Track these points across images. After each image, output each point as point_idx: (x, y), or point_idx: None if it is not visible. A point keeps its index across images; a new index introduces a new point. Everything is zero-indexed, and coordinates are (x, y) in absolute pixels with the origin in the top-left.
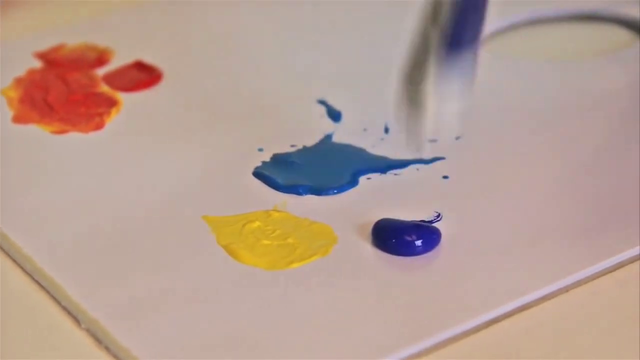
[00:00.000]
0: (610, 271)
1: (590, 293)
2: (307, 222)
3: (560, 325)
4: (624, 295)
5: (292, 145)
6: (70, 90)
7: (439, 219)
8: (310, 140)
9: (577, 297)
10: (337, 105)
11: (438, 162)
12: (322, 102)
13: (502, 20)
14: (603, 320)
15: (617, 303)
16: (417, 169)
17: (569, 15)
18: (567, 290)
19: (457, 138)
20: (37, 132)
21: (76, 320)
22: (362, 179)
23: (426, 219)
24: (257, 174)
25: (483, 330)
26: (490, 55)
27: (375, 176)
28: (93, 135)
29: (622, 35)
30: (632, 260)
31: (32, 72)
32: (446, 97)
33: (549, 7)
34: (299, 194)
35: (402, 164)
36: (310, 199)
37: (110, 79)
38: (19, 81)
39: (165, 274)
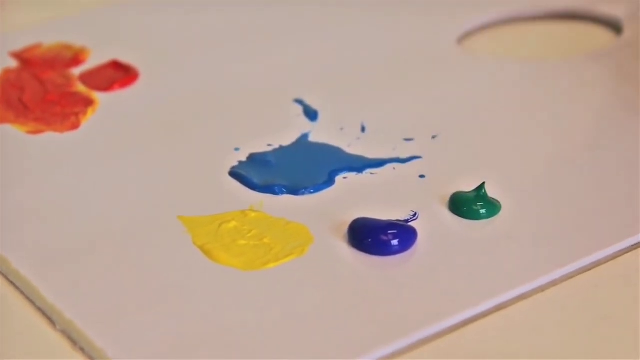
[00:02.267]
0: (586, 270)
1: (566, 292)
2: (284, 222)
3: (536, 325)
4: (599, 294)
5: (269, 145)
6: (45, 89)
7: (415, 218)
8: (287, 140)
9: (553, 297)
10: (313, 104)
11: (414, 162)
12: (299, 101)
13: (478, 18)
14: (579, 320)
15: (592, 302)
16: (394, 168)
17: (546, 14)
18: (542, 290)
19: (434, 137)
20: (12, 132)
21: (51, 321)
22: (339, 179)
23: (402, 219)
24: (234, 173)
25: (459, 329)
26: (466, 54)
27: (351, 175)
28: (69, 135)
29: (600, 33)
30: (607, 260)
31: (7, 72)
32: None
33: (526, 5)
34: (275, 193)
35: (379, 163)
36: (286, 198)
37: (86, 78)
38: None
39: (140, 275)
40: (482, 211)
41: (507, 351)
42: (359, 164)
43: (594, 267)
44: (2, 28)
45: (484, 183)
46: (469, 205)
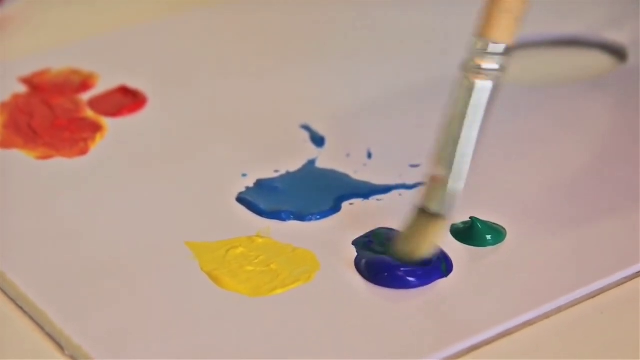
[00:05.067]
0: (591, 297)
1: (571, 319)
2: (291, 248)
3: (541, 352)
4: (604, 321)
5: (276, 171)
6: (54, 115)
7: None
8: (294, 166)
9: (558, 324)
10: (320, 130)
11: (420, 188)
12: (306, 127)
13: None
14: (584, 347)
15: (597, 329)
16: (400, 195)
17: (551, 40)
18: (547, 317)
19: None
20: (21, 157)
21: (60, 346)
22: (345, 205)
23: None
24: (241, 199)
25: (464, 356)
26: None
27: (358, 202)
28: (77, 160)
29: (604, 60)
30: (612, 287)
31: (16, 97)
32: None
33: (530, 31)
34: (282, 219)
35: (385, 189)
36: (293, 224)
37: (94, 103)
38: (3, 106)
39: (148, 301)
40: (488, 237)
41: None
42: (366, 190)
43: (599, 294)
44: (11, 53)
45: (474, 220)
46: (474, 232)
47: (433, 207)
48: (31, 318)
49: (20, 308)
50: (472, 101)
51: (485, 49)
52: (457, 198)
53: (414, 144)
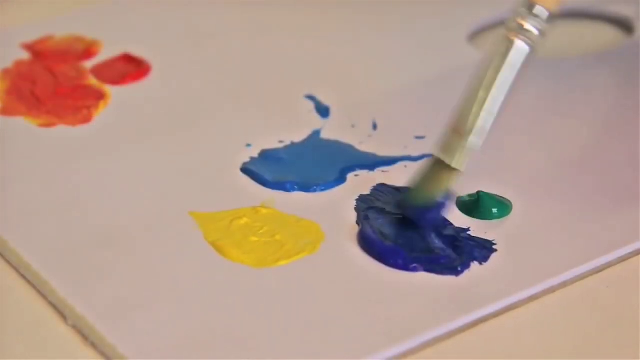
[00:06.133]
0: (596, 272)
1: (576, 293)
2: (295, 219)
3: (546, 327)
4: (610, 296)
5: (280, 141)
6: (57, 82)
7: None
8: (299, 136)
9: (563, 298)
10: (325, 100)
11: (426, 160)
12: (311, 98)
13: (491, 17)
14: (589, 322)
15: (602, 304)
16: (405, 166)
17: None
18: (553, 291)
19: None
20: (24, 124)
21: (63, 316)
22: (350, 176)
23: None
24: (245, 170)
25: (468, 330)
26: (478, 51)
27: (363, 173)
28: (81, 128)
29: (611, 33)
30: (618, 261)
31: (19, 64)
32: None
33: None
34: (287, 190)
35: (390, 161)
36: (298, 195)
37: (98, 71)
38: (5, 72)
39: (152, 271)
40: (494, 211)
41: (517, 352)
42: (371, 162)
43: (604, 269)
44: (14, 20)
45: (480, 193)
46: (481, 205)
47: (450, 159)
48: (34, 287)
49: (23, 277)
50: (509, 60)
51: (530, 12)
52: (474, 154)
53: (420, 116)
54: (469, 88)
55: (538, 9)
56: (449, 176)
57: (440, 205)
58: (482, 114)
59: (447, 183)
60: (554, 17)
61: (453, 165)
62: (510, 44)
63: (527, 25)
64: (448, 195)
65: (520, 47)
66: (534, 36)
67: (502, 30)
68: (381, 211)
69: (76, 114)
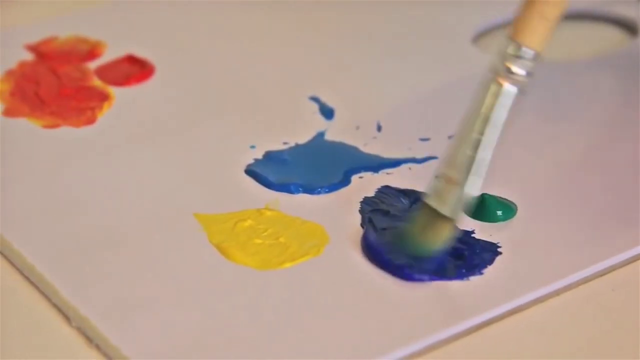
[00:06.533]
0: (602, 274)
1: (582, 296)
2: (299, 222)
3: (551, 329)
4: (616, 299)
5: (285, 143)
6: (61, 83)
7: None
8: (303, 138)
9: (569, 301)
10: (329, 102)
11: (430, 162)
12: (315, 99)
13: (495, 18)
14: (594, 325)
15: (608, 307)
16: (410, 168)
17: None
18: (558, 294)
19: (450, 137)
20: (28, 125)
21: (66, 318)
22: (354, 178)
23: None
24: (249, 171)
25: (473, 333)
26: (482, 53)
27: (367, 175)
28: (84, 129)
29: (615, 35)
30: (624, 264)
31: (23, 65)
32: None
33: None
34: (291, 192)
35: (395, 162)
36: (302, 197)
37: (102, 72)
38: (9, 73)
39: (156, 272)
40: (499, 213)
41: (522, 355)
42: (375, 164)
43: (610, 271)
44: (18, 20)
45: (485, 195)
46: (485, 208)
47: (445, 210)
48: (38, 289)
49: (27, 279)
50: (498, 105)
51: (517, 54)
52: (470, 203)
53: (424, 118)
54: (458, 133)
55: (525, 52)
56: (446, 226)
57: (439, 255)
58: (476, 164)
59: (446, 233)
60: (540, 57)
61: (449, 215)
62: (499, 88)
63: (516, 69)
64: (446, 245)
65: (509, 91)
66: (522, 78)
67: (488, 71)
68: (385, 214)
69: (80, 115)
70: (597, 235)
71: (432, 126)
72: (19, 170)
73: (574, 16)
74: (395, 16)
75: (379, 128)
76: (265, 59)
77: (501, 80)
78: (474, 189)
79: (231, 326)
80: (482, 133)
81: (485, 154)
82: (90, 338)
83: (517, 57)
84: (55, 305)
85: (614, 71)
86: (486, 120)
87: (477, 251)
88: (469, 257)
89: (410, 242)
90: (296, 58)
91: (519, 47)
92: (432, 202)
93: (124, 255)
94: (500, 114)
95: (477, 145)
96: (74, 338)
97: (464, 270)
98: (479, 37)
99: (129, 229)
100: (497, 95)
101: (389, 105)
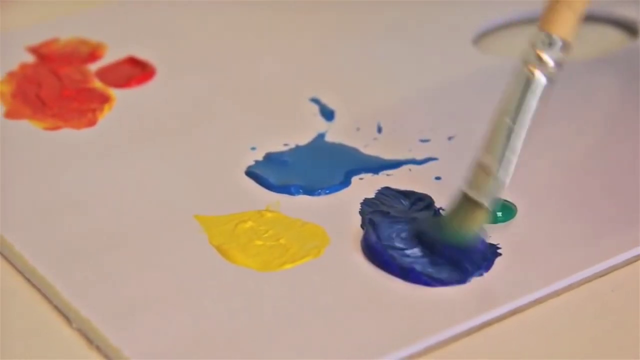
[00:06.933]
0: (602, 275)
1: (582, 297)
2: (300, 223)
3: (551, 330)
4: (615, 299)
5: (285, 144)
6: (62, 85)
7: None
8: (303, 139)
9: (569, 301)
10: (330, 103)
11: (431, 163)
12: (315, 101)
13: (496, 19)
14: (594, 325)
15: (607, 308)
16: (410, 170)
17: None
18: (558, 295)
19: (450, 139)
20: (29, 128)
21: (67, 319)
22: (355, 179)
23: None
24: (250, 173)
25: (474, 333)
26: (482, 54)
27: (367, 176)
28: (85, 131)
29: (615, 36)
30: (623, 265)
31: (24, 67)
32: None
33: (541, 5)
34: (292, 193)
35: (395, 164)
36: (302, 199)
37: (103, 74)
38: (11, 75)
39: (157, 274)
40: (499, 214)
41: (522, 355)
42: (375, 165)
43: (609, 272)
44: (19, 22)
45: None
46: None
47: (478, 196)
48: (38, 290)
49: (28, 280)
50: (529, 93)
51: (548, 42)
52: (502, 190)
53: (424, 119)
54: (494, 122)
55: (555, 41)
56: (481, 214)
57: (477, 244)
58: (507, 152)
59: (477, 220)
60: (569, 47)
61: (486, 205)
62: (531, 76)
63: (547, 58)
64: (482, 233)
65: (541, 80)
66: (553, 67)
67: (520, 61)
68: (385, 215)
69: (81, 117)
70: (596, 236)
71: (433, 127)
72: (20, 172)
73: None
74: (395, 17)
75: (379, 129)
76: (265, 60)
77: (532, 69)
78: (505, 178)
79: (232, 327)
80: (514, 121)
81: (517, 142)
82: (90, 339)
83: (548, 45)
84: (56, 307)
85: (614, 72)
86: (519, 108)
87: (477, 252)
88: (467, 258)
89: (446, 230)
90: (297, 59)
91: (549, 36)
92: (468, 190)
93: (124, 257)
94: (531, 102)
95: (509, 134)
96: (74, 339)
97: (463, 273)
98: (480, 38)
99: (129, 231)
100: (528, 84)
101: (389, 107)
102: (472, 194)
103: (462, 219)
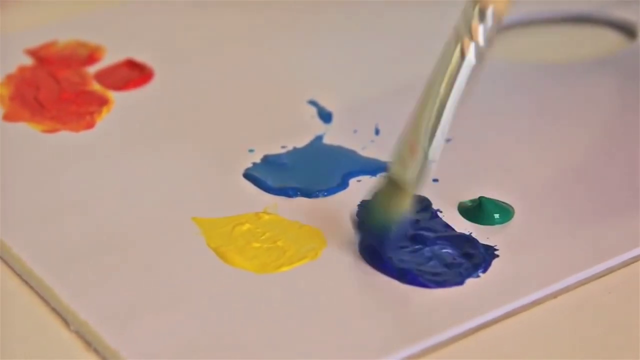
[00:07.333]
0: (599, 277)
1: (579, 299)
2: (297, 225)
3: (548, 332)
4: (612, 301)
5: (283, 147)
6: (61, 88)
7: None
8: (301, 142)
9: (566, 303)
10: (327, 106)
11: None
12: (313, 103)
13: None
14: (591, 327)
15: (604, 309)
16: None
17: (560, 18)
18: (555, 296)
19: (447, 141)
20: (27, 130)
21: (65, 322)
22: (352, 182)
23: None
24: (248, 175)
25: (471, 335)
26: None
27: (365, 179)
28: (84, 134)
29: (614, 38)
30: (620, 266)
31: (23, 69)
32: None
33: (539, 9)
34: (289, 196)
35: None
36: (300, 201)
37: (101, 77)
38: (9, 78)
39: (154, 276)
40: (496, 216)
41: (520, 356)
42: (373, 167)
43: (607, 274)
44: (17, 25)
45: (482, 198)
46: (482, 211)
47: (407, 175)
48: (36, 293)
49: (26, 283)
50: (463, 68)
51: (482, 15)
52: (429, 170)
53: None
54: (423, 98)
55: (489, 15)
56: (405, 194)
57: (398, 228)
58: (440, 129)
59: (406, 203)
60: (502, 22)
61: (410, 185)
62: (464, 50)
63: (480, 32)
64: (405, 216)
65: (471, 54)
66: (485, 42)
67: (452, 34)
68: None
69: (79, 120)
70: (594, 238)
71: None
72: (18, 176)
73: (573, 19)
74: (394, 19)
75: (377, 132)
76: (263, 63)
77: (465, 43)
78: (435, 153)
79: (230, 330)
80: (446, 98)
81: (446, 117)
82: (89, 342)
83: (481, 18)
84: (54, 310)
85: (613, 74)
86: (449, 83)
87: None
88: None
89: (373, 214)
90: (294, 62)
91: (483, 10)
92: (394, 169)
93: (122, 260)
94: (464, 78)
95: (441, 110)
96: (72, 342)
97: (461, 274)
98: None
99: (127, 233)
100: (460, 57)
101: (387, 109)
102: (396, 175)
103: (386, 201)
